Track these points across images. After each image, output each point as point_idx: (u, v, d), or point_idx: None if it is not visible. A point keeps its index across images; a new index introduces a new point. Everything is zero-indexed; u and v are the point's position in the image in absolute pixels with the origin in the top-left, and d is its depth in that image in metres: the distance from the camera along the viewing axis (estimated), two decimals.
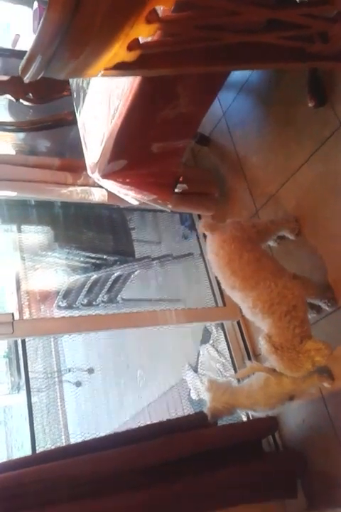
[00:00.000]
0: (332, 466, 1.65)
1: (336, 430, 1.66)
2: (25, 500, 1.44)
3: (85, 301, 2.44)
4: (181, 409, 2.34)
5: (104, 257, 2.34)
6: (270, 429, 1.80)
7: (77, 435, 2.47)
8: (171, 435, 1.65)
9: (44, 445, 2.17)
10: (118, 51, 1.10)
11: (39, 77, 1.14)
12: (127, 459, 1.55)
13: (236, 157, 2.20)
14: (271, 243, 1.94)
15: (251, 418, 1.88)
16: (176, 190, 1.87)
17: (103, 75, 1.20)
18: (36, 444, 1.94)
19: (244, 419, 1.92)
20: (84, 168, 1.93)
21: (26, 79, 1.11)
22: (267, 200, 2.01)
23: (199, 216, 2.34)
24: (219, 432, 1.71)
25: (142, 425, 1.83)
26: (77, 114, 2.01)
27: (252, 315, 1.57)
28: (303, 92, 1.81)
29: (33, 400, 2.58)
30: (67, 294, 2.41)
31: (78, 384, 3.27)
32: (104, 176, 1.89)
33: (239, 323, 2.11)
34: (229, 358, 2.13)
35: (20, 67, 1.10)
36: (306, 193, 1.83)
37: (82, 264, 2.35)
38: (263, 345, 1.47)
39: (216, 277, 2.22)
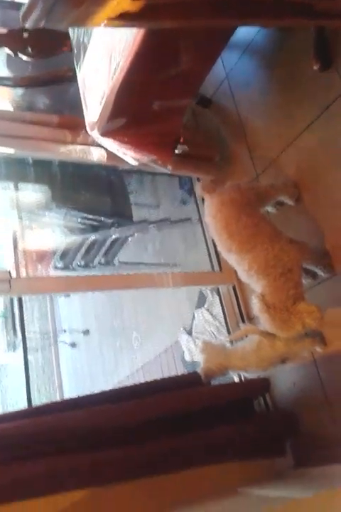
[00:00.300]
0: (320, 428, 1.70)
1: (326, 393, 1.70)
2: (20, 450, 1.47)
3: (82, 262, 2.44)
4: (175, 370, 2.38)
5: (102, 218, 2.33)
6: (262, 390, 1.84)
7: (72, 395, 2.52)
8: (165, 393, 1.68)
9: (39, 403, 2.21)
10: (121, 0, 1.07)
11: (40, 26, 1.11)
12: (121, 415, 1.59)
13: (238, 120, 2.17)
14: (270, 209, 1.93)
15: (243, 379, 1.92)
16: (176, 152, 1.84)
17: (106, 26, 1.16)
18: (31, 403, 1.98)
19: (236, 380, 1.96)
20: (84, 126, 1.90)
21: (27, 26, 1.08)
22: (268, 164, 1.99)
23: (199, 180, 2.32)
24: (212, 391, 1.75)
25: (137, 383, 1.86)
26: (77, 70, 1.96)
27: (247, 277, 1.58)
28: (309, 54, 1.77)
29: (29, 358, 2.62)
30: (64, 255, 2.41)
31: (73, 345, 3.31)
32: (103, 134, 1.86)
33: (234, 287, 2.12)
34: (223, 322, 2.15)
35: (20, 13, 1.07)
36: (307, 159, 1.81)
37: (80, 226, 2.34)
38: (255, 304, 1.49)
39: (213, 242, 2.23)
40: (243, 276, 1.61)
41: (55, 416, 1.56)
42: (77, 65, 1.95)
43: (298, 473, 1.67)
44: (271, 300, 1.47)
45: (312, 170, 1.80)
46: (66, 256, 2.39)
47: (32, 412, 1.64)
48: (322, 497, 1.09)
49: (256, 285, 1.56)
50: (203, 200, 1.80)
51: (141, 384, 1.86)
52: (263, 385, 1.85)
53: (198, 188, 1.80)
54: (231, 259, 1.63)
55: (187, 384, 1.79)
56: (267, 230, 1.60)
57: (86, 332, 3.16)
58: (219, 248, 1.69)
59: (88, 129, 1.89)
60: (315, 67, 1.75)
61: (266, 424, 1.76)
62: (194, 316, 2.43)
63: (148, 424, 1.61)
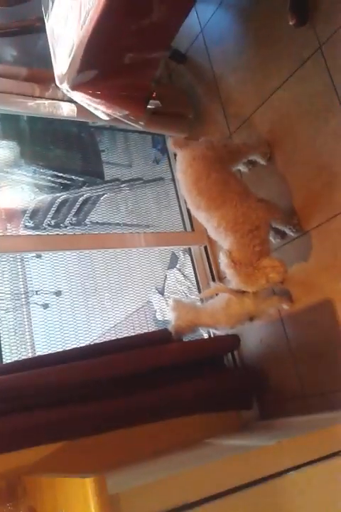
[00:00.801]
0: (285, 383, 1.77)
1: (291, 350, 1.75)
2: None
3: (53, 222, 2.38)
4: (147, 329, 2.41)
5: (73, 177, 2.26)
6: (232, 346, 1.89)
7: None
8: (135, 349, 1.70)
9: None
10: None
11: None
12: (90, 370, 1.60)
13: (213, 77, 2.13)
14: (242, 168, 1.93)
15: (212, 336, 1.96)
16: (149, 107, 1.80)
17: None
18: (2, 362, 1.98)
19: (206, 337, 2.00)
20: (53, 80, 1.83)
21: None
22: (241, 123, 1.98)
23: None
24: (182, 347, 1.78)
25: (107, 340, 1.88)
26: (46, 20, 1.88)
27: (216, 234, 1.60)
28: (285, 9, 1.73)
29: (0, 319, 2.59)
30: (34, 214, 2.34)
31: (45, 306, 3.28)
32: (73, 88, 1.80)
33: (205, 248, 2.13)
34: (194, 282, 2.17)
35: None
36: (281, 117, 1.80)
37: (50, 184, 2.28)
38: (222, 260, 1.51)
39: (185, 202, 2.22)
40: (211, 233, 1.62)
41: (25, 373, 1.55)
42: (45, 14, 1.86)
43: (263, 424, 1.75)
44: (238, 256, 1.49)
45: (285, 128, 1.79)
46: (36, 215, 2.33)
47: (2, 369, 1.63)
48: (283, 445, 1.14)
49: (223, 242, 1.58)
50: (175, 156, 1.78)
51: (111, 341, 1.88)
52: (233, 342, 1.89)
53: (170, 143, 1.77)
54: (201, 216, 1.63)
55: (158, 340, 1.81)
56: (236, 188, 1.61)
57: (58, 293, 3.13)
58: (189, 205, 1.69)
59: (57, 81, 1.81)
60: (291, 23, 1.72)
61: (234, 379, 1.81)
62: (166, 277, 2.44)
63: (118, 380, 1.63)
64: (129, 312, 2.46)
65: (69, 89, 1.78)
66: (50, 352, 1.78)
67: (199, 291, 2.12)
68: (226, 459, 1.09)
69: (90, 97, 1.77)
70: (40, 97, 2.02)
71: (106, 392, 1.61)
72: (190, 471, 1.08)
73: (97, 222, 2.41)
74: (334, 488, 1.13)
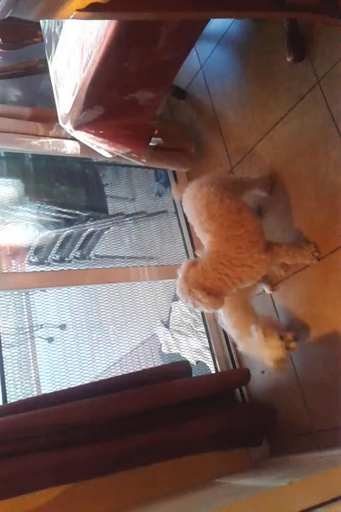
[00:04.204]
0: (295, 418, 1.73)
1: (300, 383, 1.73)
2: None
3: (57, 257, 2.40)
4: (152, 363, 2.38)
5: (77, 212, 2.29)
6: (242, 381, 1.86)
7: (49, 390, 2.48)
8: (146, 386, 1.68)
9: (15, 399, 2.18)
10: None
11: (7, 16, 1.08)
12: (101, 407, 1.58)
13: (213, 112, 2.17)
14: None
15: (222, 371, 1.94)
16: (151, 144, 1.83)
17: (75, 17, 1.14)
18: (7, 398, 1.95)
19: (213, 371, 1.98)
20: (56, 119, 1.86)
21: None
22: (242, 157, 2.00)
23: (174, 173, 2.31)
24: (193, 382, 1.75)
25: (116, 376, 1.86)
26: (49, 62, 1.92)
27: (209, 253, 1.55)
28: (283, 45, 1.78)
29: (4, 354, 2.57)
30: (38, 250, 2.36)
31: (50, 340, 3.26)
32: (77, 127, 1.83)
33: None
34: (200, 314, 2.16)
35: None
36: (281, 151, 1.83)
37: (54, 220, 2.30)
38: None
39: (189, 234, 2.24)
40: (206, 249, 1.59)
41: (28, 414, 1.54)
42: (48, 56, 1.91)
43: (273, 461, 1.71)
44: (208, 284, 1.49)
45: (285, 161, 1.81)
46: (40, 251, 2.35)
47: (4, 410, 1.61)
48: (296, 485, 1.11)
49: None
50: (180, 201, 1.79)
51: (119, 377, 1.86)
52: (243, 376, 1.86)
53: (173, 191, 1.77)
54: (206, 238, 1.58)
55: (168, 375, 1.79)
56: (249, 225, 1.54)
57: (62, 326, 3.12)
58: (196, 230, 1.64)
59: (60, 121, 1.85)
60: (289, 59, 1.76)
61: (244, 415, 1.78)
62: (171, 309, 2.43)
63: (126, 418, 1.60)
64: (134, 345, 2.44)
65: (72, 129, 1.82)
66: (55, 390, 1.76)
67: (205, 323, 2.11)
68: (236, 503, 1.06)
69: (93, 136, 1.81)
70: (44, 136, 2.07)
71: (114, 431, 1.59)
72: None
73: (101, 256, 2.43)
74: None
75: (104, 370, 2.62)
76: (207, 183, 1.61)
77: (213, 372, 1.98)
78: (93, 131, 1.80)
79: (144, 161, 1.84)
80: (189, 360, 2.08)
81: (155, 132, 1.86)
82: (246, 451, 1.74)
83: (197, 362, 2.20)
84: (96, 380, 1.81)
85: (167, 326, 2.45)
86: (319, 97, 1.69)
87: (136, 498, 1.48)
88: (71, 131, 1.85)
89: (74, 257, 2.39)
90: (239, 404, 1.88)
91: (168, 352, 2.40)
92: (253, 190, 1.85)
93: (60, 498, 1.46)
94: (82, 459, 1.48)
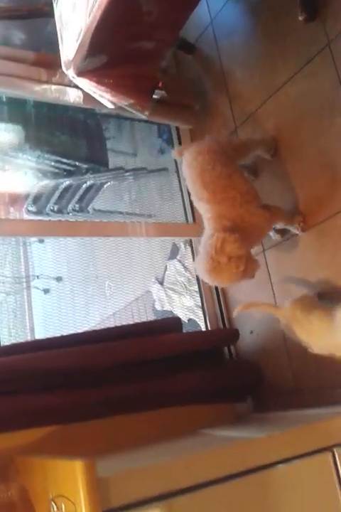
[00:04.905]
0: (280, 376, 1.78)
1: (287, 346, 1.76)
2: None
3: (55, 208, 2.39)
4: (145, 319, 2.42)
5: (77, 163, 2.27)
6: (231, 339, 1.90)
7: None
8: (137, 338, 1.71)
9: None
10: None
11: None
12: (93, 356, 1.61)
13: (221, 69, 2.12)
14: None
15: (211, 329, 1.98)
16: (154, 96, 1.79)
17: None
18: (0, 342, 1.99)
19: (203, 329, 2.01)
20: (60, 65, 1.82)
21: None
22: (247, 117, 1.97)
23: (178, 129, 2.28)
24: (183, 338, 1.79)
25: (108, 327, 1.89)
26: (54, 5, 1.87)
27: (208, 225, 1.56)
28: (295, 4, 1.72)
29: (1, 301, 2.61)
30: (36, 199, 2.35)
31: (46, 291, 3.31)
32: (79, 74, 1.80)
33: None
34: (194, 274, 2.18)
35: None
36: (286, 113, 1.79)
37: (53, 169, 2.28)
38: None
39: (188, 193, 2.22)
40: (205, 224, 1.59)
41: (23, 356, 1.57)
42: None
43: (257, 417, 1.76)
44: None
45: (290, 124, 1.79)
46: (39, 200, 2.34)
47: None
48: (273, 438, 1.15)
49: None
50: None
51: (111, 328, 1.89)
52: (232, 335, 1.90)
53: (175, 152, 1.77)
54: (201, 207, 1.61)
55: (159, 329, 1.82)
56: (241, 187, 1.57)
57: (59, 279, 3.15)
58: (192, 197, 1.67)
59: (63, 67, 1.81)
60: (300, 18, 1.71)
61: (231, 372, 1.82)
62: (166, 267, 2.45)
63: (117, 368, 1.64)
64: (129, 301, 2.48)
65: (75, 76, 1.78)
66: (49, 336, 1.79)
67: (199, 283, 2.13)
68: (216, 449, 1.10)
69: (96, 85, 1.77)
70: (47, 82, 2.02)
71: (105, 379, 1.62)
72: (180, 459, 1.09)
73: (100, 210, 2.42)
74: (321, 482, 1.14)
75: (98, 324, 2.66)
76: (203, 151, 1.61)
77: (204, 330, 2.01)
78: (96, 79, 1.76)
79: (147, 113, 1.81)
80: (181, 317, 2.11)
81: (160, 85, 1.82)
82: (231, 406, 1.79)
83: (189, 319, 2.24)
84: (89, 330, 1.84)
85: (161, 283, 2.47)
86: (328, 60, 1.65)
87: (119, 445, 1.52)
88: (73, 77, 1.81)
89: (73, 209, 2.38)
90: (227, 362, 1.93)
91: (161, 309, 2.43)
92: (256, 152, 1.83)
93: (46, 439, 1.50)
94: (69, 403, 1.52)
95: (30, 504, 1.21)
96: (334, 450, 1.17)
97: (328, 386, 1.59)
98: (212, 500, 1.04)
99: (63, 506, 1.02)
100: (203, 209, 1.60)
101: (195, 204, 1.67)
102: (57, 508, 1.05)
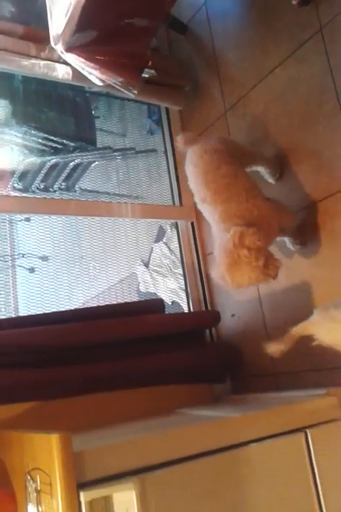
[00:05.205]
0: (259, 359, 1.79)
1: (266, 328, 1.79)
2: None
3: (42, 185, 2.36)
4: (129, 300, 2.42)
5: (64, 141, 2.23)
6: (212, 322, 1.91)
7: None
8: (120, 317, 1.72)
9: None
10: None
11: None
12: (75, 334, 1.62)
13: (212, 51, 2.10)
14: None
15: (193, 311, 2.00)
16: (144, 75, 1.77)
17: None
18: None
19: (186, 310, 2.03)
20: (50, 41, 1.79)
21: None
22: (237, 100, 1.96)
23: (167, 110, 2.26)
24: (165, 319, 1.80)
25: (91, 306, 1.89)
26: None
27: (216, 229, 1.49)
28: None
29: None
30: (23, 176, 2.32)
31: (31, 270, 3.28)
32: (68, 50, 1.77)
33: (192, 224, 2.13)
34: (179, 257, 2.18)
35: None
36: (276, 97, 1.79)
37: (40, 146, 2.24)
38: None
39: (176, 176, 2.22)
40: (213, 227, 1.52)
41: (4, 332, 1.57)
42: None
43: (235, 398, 1.79)
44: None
45: (279, 108, 1.78)
46: (25, 177, 2.31)
47: None
48: (247, 417, 1.17)
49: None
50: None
51: (94, 307, 1.89)
52: (213, 318, 1.92)
53: (179, 141, 1.67)
54: (205, 210, 1.54)
55: (142, 310, 1.82)
56: (245, 184, 1.51)
57: (44, 258, 3.13)
58: (195, 198, 1.60)
59: (52, 42, 1.78)
60: (294, 2, 1.70)
61: (211, 354, 1.85)
62: (152, 249, 2.45)
63: (99, 346, 1.65)
64: (113, 282, 2.47)
65: (64, 51, 1.75)
66: (31, 313, 1.79)
67: (183, 266, 2.13)
68: (191, 427, 1.12)
69: (84, 61, 1.74)
70: (36, 57, 1.99)
71: (85, 357, 1.63)
72: (155, 435, 1.11)
73: (87, 190, 2.40)
74: (293, 462, 1.17)
75: (82, 304, 2.66)
76: (210, 150, 1.56)
77: (186, 311, 2.03)
78: (84, 55, 1.73)
79: (135, 92, 1.79)
80: (165, 299, 2.12)
81: (149, 64, 1.80)
82: (210, 387, 1.82)
83: (173, 302, 2.25)
84: (71, 309, 1.84)
85: (147, 265, 2.47)
86: (319, 46, 1.65)
87: (99, 422, 1.53)
88: (62, 52, 1.78)
89: (59, 188, 2.35)
90: (207, 344, 1.95)
91: (146, 291, 2.44)
92: (260, 168, 1.77)
93: (25, 415, 1.51)
94: (50, 379, 1.53)
95: (7, 476, 1.22)
96: (307, 431, 1.20)
97: (304, 370, 1.63)
98: (185, 476, 1.06)
99: (38, 478, 1.04)
100: (208, 211, 1.53)
101: (199, 207, 1.59)
102: (33, 480, 1.06)
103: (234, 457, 1.10)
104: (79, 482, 0.97)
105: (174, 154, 2.22)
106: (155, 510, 0.99)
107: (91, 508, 0.96)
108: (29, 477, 1.07)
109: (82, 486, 0.96)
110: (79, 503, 0.95)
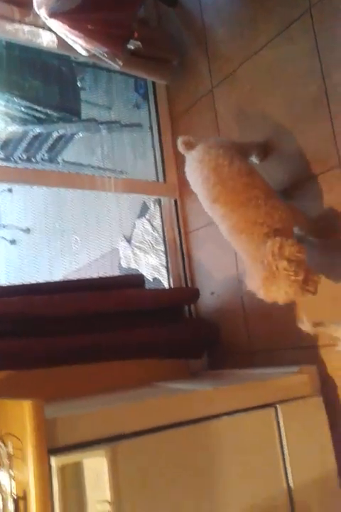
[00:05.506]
0: (236, 337, 1.83)
1: (245, 307, 1.81)
2: None
3: (24, 156, 2.32)
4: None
5: (48, 111, 2.19)
6: (191, 298, 1.93)
7: None
8: (101, 290, 1.71)
9: None
10: None
11: None
12: (53, 305, 1.61)
13: (202, 26, 2.07)
14: None
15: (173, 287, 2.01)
16: (129, 46, 1.74)
17: None
18: None
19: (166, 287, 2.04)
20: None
21: None
22: (224, 77, 1.94)
23: (154, 84, 2.22)
24: (144, 294, 1.80)
25: (72, 279, 1.88)
26: None
27: (229, 234, 1.39)
28: None
29: None
30: (4, 145, 2.28)
31: (13, 242, 3.26)
32: (52, 15, 1.72)
33: (176, 201, 2.13)
34: (161, 234, 2.18)
35: None
36: (262, 76, 1.77)
37: (23, 116, 2.20)
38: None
39: (161, 151, 2.20)
40: (224, 232, 1.42)
41: None
42: None
43: (211, 374, 1.82)
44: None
45: (265, 88, 1.77)
46: (7, 147, 2.26)
47: None
48: (219, 391, 1.20)
49: (237, 245, 1.39)
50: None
51: (74, 280, 1.88)
52: (192, 295, 1.94)
53: (179, 144, 1.56)
54: (216, 211, 1.41)
55: (123, 285, 1.82)
56: (262, 184, 1.41)
57: (27, 230, 3.10)
58: (200, 198, 1.48)
59: (35, 7, 1.73)
60: None
61: (189, 329, 1.86)
62: (135, 225, 2.44)
63: (78, 318, 1.64)
64: (95, 257, 2.46)
65: (47, 17, 1.71)
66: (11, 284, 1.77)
67: (165, 243, 2.13)
68: (163, 398, 1.14)
69: (68, 29, 1.71)
70: (20, 22, 1.93)
71: (62, 329, 1.63)
72: (129, 405, 1.12)
73: (70, 162, 2.37)
74: (263, 435, 1.20)
75: (63, 278, 2.65)
76: (216, 145, 1.47)
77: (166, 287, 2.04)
78: (68, 22, 1.69)
79: (120, 63, 1.76)
80: (146, 276, 2.13)
81: (136, 35, 1.76)
82: (187, 362, 1.84)
83: (154, 278, 2.25)
84: (50, 281, 1.82)
85: (129, 241, 2.47)
86: (308, 25, 1.63)
87: (74, 393, 1.54)
88: (46, 18, 1.74)
89: (42, 159, 2.32)
90: (186, 320, 1.96)
91: (127, 266, 2.43)
92: (252, 156, 1.71)
93: (3, 381, 1.51)
94: (25, 349, 1.53)
95: None
96: (277, 406, 1.23)
97: (279, 348, 1.66)
98: (157, 446, 1.08)
99: (10, 444, 1.04)
100: (218, 213, 1.40)
101: (206, 209, 1.47)
102: (5, 445, 1.07)
103: (206, 429, 1.12)
104: (50, 448, 0.98)
105: (159, 129, 2.20)
106: (125, 477, 1.01)
107: (62, 474, 0.98)
108: (1, 442, 1.08)
109: (54, 451, 0.97)
110: (50, 468, 0.96)
